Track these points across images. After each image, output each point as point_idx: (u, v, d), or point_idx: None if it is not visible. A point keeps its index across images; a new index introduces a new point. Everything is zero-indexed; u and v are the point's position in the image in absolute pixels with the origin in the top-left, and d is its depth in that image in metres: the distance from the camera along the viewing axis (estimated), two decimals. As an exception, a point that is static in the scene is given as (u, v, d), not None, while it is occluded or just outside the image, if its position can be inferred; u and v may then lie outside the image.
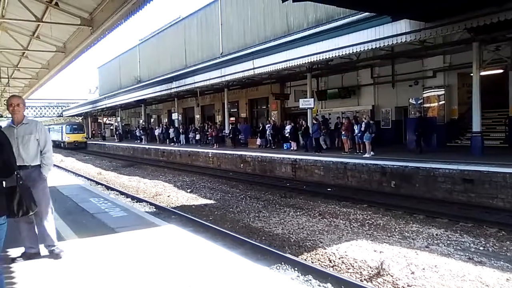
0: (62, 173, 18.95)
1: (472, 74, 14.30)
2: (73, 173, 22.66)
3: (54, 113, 64.12)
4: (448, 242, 7.91)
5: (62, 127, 49.44)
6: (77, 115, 59.23)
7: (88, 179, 19.70)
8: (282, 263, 6.81)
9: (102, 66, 55.36)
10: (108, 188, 16.41)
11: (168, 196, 14.04)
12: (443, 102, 18.43)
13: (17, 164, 4.13)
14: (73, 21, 10.35)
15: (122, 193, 14.90)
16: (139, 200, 13.22)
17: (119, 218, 7.10)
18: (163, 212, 11.30)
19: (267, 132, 23.09)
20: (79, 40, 11.90)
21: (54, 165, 24.64)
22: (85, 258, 4.82)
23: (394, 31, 13.08)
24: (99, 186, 17.14)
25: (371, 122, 16.80)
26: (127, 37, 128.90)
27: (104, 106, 45.23)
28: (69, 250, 4.99)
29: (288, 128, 21.02)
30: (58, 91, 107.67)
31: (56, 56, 14.42)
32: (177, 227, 6.63)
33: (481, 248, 7.54)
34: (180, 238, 5.75)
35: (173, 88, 28.80)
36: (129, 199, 13.59)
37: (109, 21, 9.59)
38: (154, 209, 11.81)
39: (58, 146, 48.78)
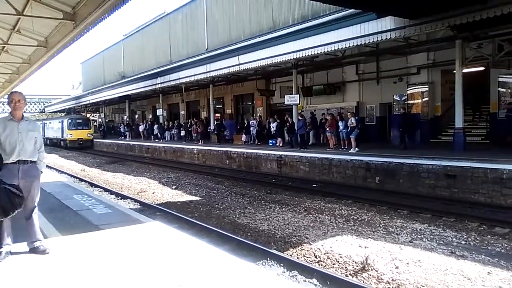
0: (45, 170, 18.62)
1: (455, 71, 14.51)
2: (56, 170, 22.33)
3: (36, 109, 62.96)
4: (432, 236, 8.02)
5: (62, 122, 40.40)
6: (59, 111, 58.08)
7: (72, 176, 19.44)
8: (268, 259, 6.82)
9: (85, 61, 54.51)
10: (92, 185, 16.22)
11: (153, 193, 13.93)
12: (426, 98, 18.66)
13: (21, 158, 4.57)
14: (55, 15, 10.14)
15: (106, 190, 14.75)
16: (124, 197, 13.10)
17: (103, 215, 7.01)
18: (148, 209, 11.21)
19: (252, 129, 23.07)
20: (61, 34, 11.66)
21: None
22: (69, 256, 4.74)
23: (379, 28, 13.17)
24: (83, 183, 16.93)
25: (358, 118, 16.93)
26: (111, 32, 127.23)
27: (87, 102, 44.65)
28: (52, 248, 4.91)
29: (273, 125, 21.05)
30: (40, 86, 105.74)
31: (37, 50, 14.11)
32: (162, 223, 6.59)
33: (463, 242, 7.67)
34: (165, 234, 5.71)
35: (158, 84, 28.58)
36: (113, 196, 13.46)
37: (93, 15, 9.42)
38: (139, 206, 11.71)
39: (56, 145, 41.89)
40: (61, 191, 9.74)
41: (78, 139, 38.09)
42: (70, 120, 39.23)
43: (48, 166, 23.89)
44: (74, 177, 18.94)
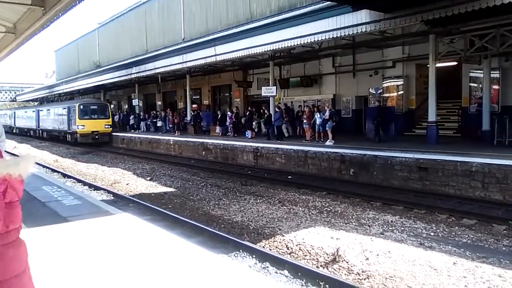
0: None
1: (428, 65, 14.75)
2: (27, 160, 21.71)
3: (6, 98, 61.11)
4: (402, 228, 8.16)
5: (69, 108, 30.17)
6: (32, 100, 56.46)
7: (44, 166, 18.96)
8: (240, 250, 6.81)
9: (59, 49, 53.02)
10: (64, 175, 15.89)
11: (127, 184, 13.75)
12: (401, 92, 18.94)
13: None
14: (23, 0, 9.78)
15: (79, 180, 14.48)
16: (97, 188, 12.88)
17: (72, 206, 6.87)
18: (121, 200, 11.06)
19: (228, 120, 22.98)
20: (30, 21, 11.25)
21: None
22: (32, 249, 4.61)
23: (355, 21, 13.22)
24: (55, 173, 16.57)
25: (333, 110, 17.05)
26: (86, 20, 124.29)
27: (61, 91, 43.56)
28: (16, 241, 4.76)
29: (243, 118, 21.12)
30: (12, 74, 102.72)
31: (5, 37, 13.58)
32: (132, 215, 6.49)
33: (432, 233, 7.83)
34: (135, 227, 5.63)
35: (133, 73, 28.10)
36: (86, 187, 13.24)
37: (63, 1, 9.12)
38: (112, 197, 11.54)
39: (57, 138, 33.01)
40: (29, 182, 9.46)
41: (93, 132, 28.52)
42: (82, 106, 29.21)
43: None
44: (47, 167, 18.49)
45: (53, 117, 34.37)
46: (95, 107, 30.10)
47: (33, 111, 40.04)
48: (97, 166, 18.77)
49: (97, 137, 28.67)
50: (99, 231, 5.36)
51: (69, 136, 30.26)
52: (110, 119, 30.15)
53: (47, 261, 4.24)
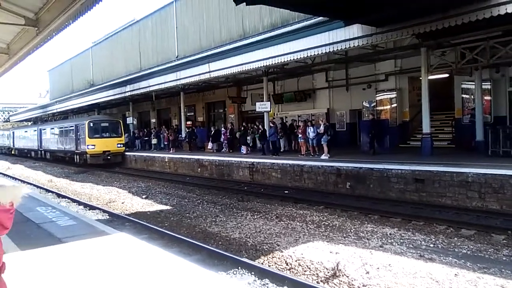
0: (8, 182, 17.97)
1: (421, 78, 14.88)
2: (21, 181, 21.53)
3: (-1, 119, 60.88)
4: (401, 240, 8.11)
5: (77, 126, 27.44)
6: (25, 120, 56.14)
7: (38, 187, 18.79)
8: (239, 267, 6.72)
9: (53, 69, 53.14)
10: (59, 195, 15.73)
11: (123, 203, 13.61)
12: (395, 104, 19.05)
13: None
14: (17, 21, 9.78)
15: (74, 200, 14.35)
16: (92, 208, 12.75)
17: (67, 227, 6.78)
18: (116, 220, 10.93)
19: (223, 136, 22.94)
20: (24, 41, 11.27)
21: (0, 174, 23.16)
22: (27, 273, 4.52)
23: (347, 35, 13.36)
24: (50, 194, 16.41)
25: (327, 124, 17.10)
26: (80, 40, 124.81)
27: (55, 111, 43.40)
28: (9, 264, 4.66)
29: (237, 133, 21.14)
30: (5, 95, 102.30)
31: (-1, 58, 13.62)
32: (129, 235, 6.40)
33: (431, 245, 7.79)
34: (132, 247, 5.54)
35: (127, 91, 28.08)
36: (81, 207, 13.11)
37: (56, 21, 9.14)
38: (108, 217, 11.42)
39: (64, 161, 30.21)
40: (23, 204, 9.19)
41: (104, 152, 25.93)
42: (92, 124, 26.59)
43: (13, 177, 23.08)
44: (41, 188, 18.31)
45: (58, 137, 31.60)
46: (106, 124, 27.47)
47: (35, 130, 36.86)
48: (92, 185, 18.62)
49: (109, 157, 26.05)
50: (95, 251, 5.27)
51: (77, 157, 27.50)
52: (123, 137, 27.54)
53: (43, 285, 4.15)
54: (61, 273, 4.46)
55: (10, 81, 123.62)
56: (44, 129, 35.02)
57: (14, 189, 1.74)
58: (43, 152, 34.99)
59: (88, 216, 10.21)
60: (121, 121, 29.01)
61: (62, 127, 31.34)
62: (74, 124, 28.60)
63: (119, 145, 26.86)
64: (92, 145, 25.73)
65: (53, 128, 33.42)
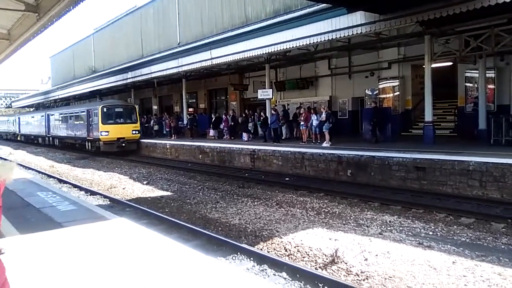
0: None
1: (424, 66, 14.77)
2: (23, 166, 21.61)
3: (1, 105, 60.81)
4: (401, 228, 8.12)
5: (89, 112, 26.06)
6: (27, 107, 56.11)
7: (39, 172, 18.87)
8: (238, 253, 6.75)
9: (54, 55, 52.96)
10: (60, 181, 15.81)
11: (124, 189, 13.67)
12: (397, 93, 18.97)
13: None
14: (17, 6, 9.70)
15: (75, 186, 14.43)
16: (93, 193, 12.80)
17: (68, 212, 6.81)
18: (117, 205, 10.99)
19: (223, 124, 22.93)
20: (24, 27, 11.20)
21: (2, 159, 23.24)
22: (26, 256, 4.55)
23: (350, 22, 13.24)
24: (51, 179, 16.47)
25: (329, 112, 17.05)
26: (82, 26, 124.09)
27: (57, 97, 43.39)
28: (9, 248, 4.69)
29: (239, 119, 21.12)
30: (7, 81, 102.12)
31: (0, 44, 13.56)
32: (128, 220, 6.42)
33: (431, 233, 7.80)
34: (131, 232, 5.57)
35: (129, 78, 28.06)
36: (82, 192, 13.17)
37: (57, 7, 9.06)
38: (108, 202, 11.47)
39: (72, 147, 29.25)
40: (24, 188, 9.40)
41: (119, 139, 24.53)
42: (105, 109, 25.00)
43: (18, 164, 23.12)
44: (42, 173, 18.39)
45: (67, 122, 30.04)
46: (121, 109, 25.98)
47: (42, 116, 35.49)
48: (93, 171, 18.68)
49: (123, 144, 24.68)
50: (95, 236, 5.30)
51: (89, 144, 26.21)
52: (138, 123, 26.02)
53: (42, 268, 4.18)
54: (60, 257, 4.49)
55: (11, 67, 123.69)
56: (53, 114, 33.63)
57: (6, 166, 1.72)
58: (51, 138, 33.95)
59: (88, 202, 10.27)
60: (136, 106, 27.75)
61: (72, 113, 29.84)
62: (86, 109, 27.00)
63: (134, 132, 25.35)
64: (105, 131, 24.38)
65: (62, 114, 31.85)
